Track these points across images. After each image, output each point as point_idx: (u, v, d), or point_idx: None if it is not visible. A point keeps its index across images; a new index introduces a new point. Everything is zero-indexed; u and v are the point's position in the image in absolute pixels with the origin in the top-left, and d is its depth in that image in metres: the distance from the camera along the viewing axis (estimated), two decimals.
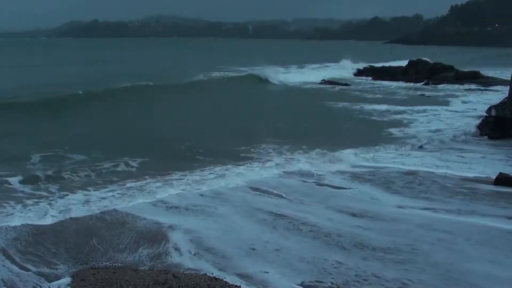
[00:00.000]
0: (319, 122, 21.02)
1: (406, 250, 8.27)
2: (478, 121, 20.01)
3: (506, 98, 18.92)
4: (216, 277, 7.05)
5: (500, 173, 11.73)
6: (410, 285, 7.03)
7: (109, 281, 6.82)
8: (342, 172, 12.86)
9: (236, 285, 6.84)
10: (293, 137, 16.91)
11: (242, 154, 14.64)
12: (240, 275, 7.19)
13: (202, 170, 12.72)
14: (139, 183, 11.49)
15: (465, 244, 8.64)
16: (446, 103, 26.82)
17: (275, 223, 9.24)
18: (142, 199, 10.38)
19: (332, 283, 6.98)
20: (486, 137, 17.32)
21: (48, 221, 9.21)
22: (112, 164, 13.16)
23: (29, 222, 9.05)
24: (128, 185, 11.38)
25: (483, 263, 7.90)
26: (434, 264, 7.84)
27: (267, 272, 7.26)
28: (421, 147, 16.08)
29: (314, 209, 10.09)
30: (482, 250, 8.40)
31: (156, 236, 8.51)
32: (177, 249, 8.02)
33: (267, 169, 12.92)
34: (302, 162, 13.61)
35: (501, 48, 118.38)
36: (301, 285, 6.94)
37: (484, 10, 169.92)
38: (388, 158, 14.49)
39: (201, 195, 10.81)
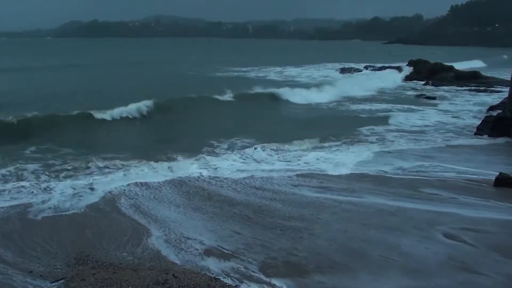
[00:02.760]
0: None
1: (309, 219, 9.27)
2: (468, 121, 20.31)
3: (506, 98, 18.94)
4: (216, 277, 7.08)
5: (500, 173, 11.72)
6: (295, 255, 7.80)
7: (109, 281, 6.81)
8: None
9: (236, 285, 6.86)
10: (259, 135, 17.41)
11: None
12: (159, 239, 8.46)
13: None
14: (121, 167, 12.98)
15: (368, 214, 9.59)
16: (439, 104, 26.85)
17: (193, 195, 10.71)
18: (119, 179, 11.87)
19: (227, 250, 8.01)
20: (486, 136, 17.32)
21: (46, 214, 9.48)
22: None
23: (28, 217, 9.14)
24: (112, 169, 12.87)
25: (382, 231, 8.75)
26: (331, 231, 8.78)
27: (189, 238, 8.42)
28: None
29: (227, 185, 11.54)
30: (385, 220, 9.28)
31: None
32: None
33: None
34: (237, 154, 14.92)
35: (501, 48, 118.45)
36: (204, 252, 7.91)
37: (484, 10, 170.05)
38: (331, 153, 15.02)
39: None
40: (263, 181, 11.93)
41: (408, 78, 39.44)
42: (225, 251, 7.98)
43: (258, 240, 8.40)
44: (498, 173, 11.70)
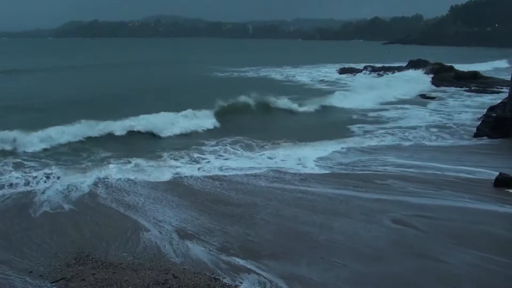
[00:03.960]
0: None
1: (260, 205, 10.08)
2: (467, 122, 20.41)
3: (506, 98, 18.92)
4: (216, 277, 7.09)
5: (500, 173, 11.70)
6: (248, 240, 8.43)
7: (109, 281, 6.82)
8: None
9: (236, 285, 6.87)
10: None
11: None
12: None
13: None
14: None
15: (318, 202, 10.22)
16: (438, 104, 26.82)
17: (160, 186, 11.52)
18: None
19: (189, 230, 8.84)
20: (486, 136, 17.29)
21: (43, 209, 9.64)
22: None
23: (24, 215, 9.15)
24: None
25: (329, 217, 9.39)
26: (282, 217, 9.44)
27: (160, 222, 9.25)
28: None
29: (191, 175, 12.40)
30: (334, 208, 9.90)
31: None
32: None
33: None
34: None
35: (501, 48, 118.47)
36: (175, 231, 8.80)
37: (484, 10, 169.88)
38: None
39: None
40: (225, 176, 12.35)
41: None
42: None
43: (217, 225, 9.07)
44: (498, 173, 11.70)
